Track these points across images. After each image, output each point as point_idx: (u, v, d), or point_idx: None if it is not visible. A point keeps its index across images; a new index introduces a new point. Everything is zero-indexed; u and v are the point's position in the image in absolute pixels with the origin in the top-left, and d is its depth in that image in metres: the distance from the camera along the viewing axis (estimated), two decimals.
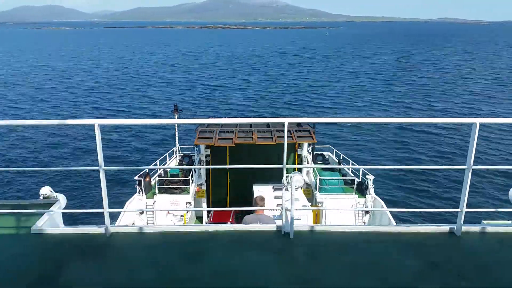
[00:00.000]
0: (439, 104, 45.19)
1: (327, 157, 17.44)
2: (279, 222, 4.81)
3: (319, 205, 13.56)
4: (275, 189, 13.05)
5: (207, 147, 14.40)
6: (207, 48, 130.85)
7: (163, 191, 13.77)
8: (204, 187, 15.15)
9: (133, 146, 30.36)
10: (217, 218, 13.36)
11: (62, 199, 5.74)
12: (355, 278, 3.83)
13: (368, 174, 14.21)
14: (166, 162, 16.37)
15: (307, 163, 15.02)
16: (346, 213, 13.61)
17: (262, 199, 6.66)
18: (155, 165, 15.76)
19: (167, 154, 17.06)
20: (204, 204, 14.91)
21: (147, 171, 14.50)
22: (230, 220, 12.99)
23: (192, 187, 14.04)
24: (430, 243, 4.44)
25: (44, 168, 5.96)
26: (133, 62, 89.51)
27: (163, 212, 13.77)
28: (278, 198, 12.10)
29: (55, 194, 5.82)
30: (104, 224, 4.64)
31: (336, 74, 70.09)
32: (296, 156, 14.81)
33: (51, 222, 5.03)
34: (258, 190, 13.22)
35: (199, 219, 15.44)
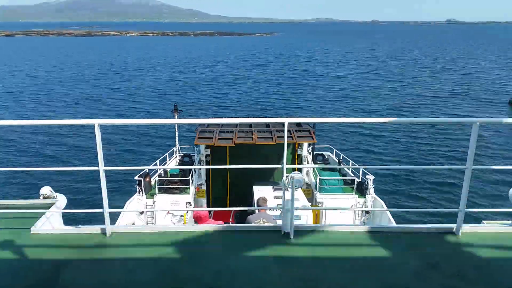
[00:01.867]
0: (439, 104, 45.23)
1: (327, 157, 17.43)
2: (279, 222, 4.81)
3: (319, 205, 13.56)
4: (275, 189, 13.05)
5: (207, 147, 14.39)
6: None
7: (163, 191, 13.76)
8: (204, 187, 15.14)
9: (133, 146, 30.34)
10: (217, 218, 13.35)
11: (62, 199, 5.74)
12: (355, 278, 3.83)
13: (368, 174, 14.20)
14: (166, 162, 16.36)
15: (307, 163, 15.02)
16: (346, 213, 13.60)
17: (265, 200, 7.22)
18: (155, 165, 15.75)
19: (167, 154, 17.06)
20: (204, 204, 14.91)
21: (147, 171, 14.49)
22: (230, 220, 12.99)
23: (192, 187, 14.04)
24: (430, 243, 4.44)
25: (44, 168, 5.96)
26: (133, 62, 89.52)
27: (163, 212, 13.77)
28: (278, 198, 12.09)
29: (55, 194, 5.81)
30: (104, 224, 4.64)
31: (336, 74, 70.11)
32: (296, 156, 14.80)
33: (51, 222, 5.03)
34: (258, 190, 13.21)
35: None
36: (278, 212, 9.27)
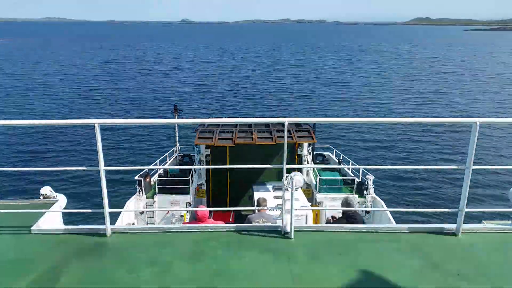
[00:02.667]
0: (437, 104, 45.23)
1: (327, 157, 17.42)
2: (279, 222, 4.81)
3: (319, 205, 13.56)
4: (275, 189, 13.03)
5: (207, 147, 14.38)
6: None
7: (163, 191, 13.75)
8: (204, 187, 15.14)
9: (133, 146, 30.34)
10: (217, 218, 13.34)
11: (62, 199, 5.75)
12: (355, 278, 3.83)
13: (368, 174, 14.19)
14: (166, 162, 16.35)
15: (307, 163, 15.01)
16: None
17: (264, 200, 7.37)
18: (155, 165, 15.74)
19: (167, 154, 17.05)
20: (204, 204, 14.90)
21: (147, 171, 14.49)
22: (230, 220, 12.98)
23: (192, 187, 14.03)
24: (430, 243, 4.44)
25: (44, 168, 5.95)
26: (132, 62, 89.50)
27: (163, 212, 13.76)
28: (278, 198, 12.09)
29: (55, 194, 5.82)
30: (104, 224, 4.64)
31: (336, 74, 70.11)
32: (296, 156, 14.79)
33: (51, 222, 5.03)
34: (258, 190, 13.20)
35: None
36: (278, 212, 9.26)
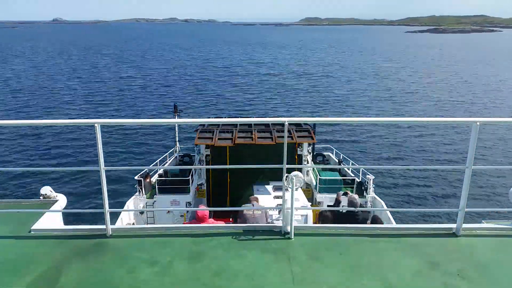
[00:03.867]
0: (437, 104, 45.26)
1: (327, 157, 17.42)
2: (279, 222, 4.81)
3: (319, 205, 13.56)
4: (275, 189, 13.03)
5: (207, 147, 14.38)
6: None
7: (163, 191, 13.74)
8: (204, 187, 15.14)
9: (133, 146, 30.35)
10: (217, 218, 13.32)
11: (62, 199, 5.75)
12: (355, 278, 3.83)
13: (368, 174, 14.19)
14: (166, 162, 16.35)
15: (307, 163, 15.01)
16: None
17: (255, 198, 7.64)
18: (155, 165, 15.74)
19: (167, 154, 17.05)
20: (204, 204, 14.90)
21: (147, 171, 14.49)
22: (230, 220, 12.98)
23: (192, 187, 14.03)
24: (430, 243, 4.44)
25: (44, 168, 5.97)
26: (132, 61, 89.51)
27: (163, 212, 13.76)
28: (278, 198, 12.08)
29: (55, 194, 5.82)
30: (104, 224, 4.64)
31: (335, 74, 70.12)
32: (296, 156, 14.78)
33: (51, 222, 5.03)
34: (258, 190, 13.20)
35: None
36: (278, 212, 9.25)
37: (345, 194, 8.81)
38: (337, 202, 8.54)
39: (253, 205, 7.04)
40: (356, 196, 7.68)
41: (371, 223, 7.49)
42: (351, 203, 7.39)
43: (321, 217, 7.39)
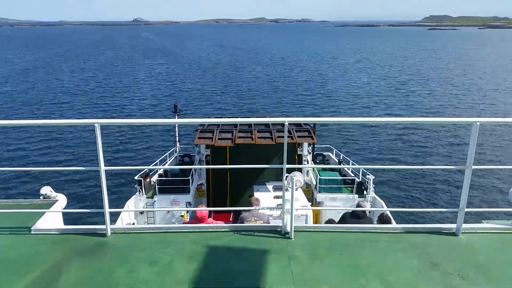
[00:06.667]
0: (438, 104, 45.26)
1: (327, 157, 17.42)
2: (279, 222, 4.81)
3: (319, 205, 13.56)
4: (275, 189, 13.03)
5: (207, 147, 14.38)
6: None
7: (163, 191, 13.74)
8: (204, 187, 15.14)
9: (133, 146, 30.36)
10: (217, 218, 13.33)
11: (62, 199, 5.75)
12: (355, 278, 3.83)
13: (368, 174, 14.19)
14: (166, 162, 16.35)
15: (307, 163, 15.01)
16: None
17: (257, 199, 7.09)
18: (155, 165, 15.74)
19: (167, 154, 17.05)
20: (204, 204, 14.90)
21: (147, 171, 14.49)
22: (230, 220, 12.98)
23: (192, 187, 14.03)
24: (430, 243, 4.44)
25: (44, 168, 5.95)
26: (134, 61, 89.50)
27: (163, 212, 13.76)
28: (278, 198, 12.08)
29: (55, 194, 5.82)
30: (104, 224, 4.64)
31: (335, 74, 70.12)
32: (296, 156, 14.78)
33: (51, 222, 5.03)
34: (258, 190, 13.20)
35: None
36: (278, 212, 9.25)
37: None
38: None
39: (256, 206, 6.90)
40: (367, 204, 7.60)
41: (382, 222, 7.47)
42: (358, 207, 7.44)
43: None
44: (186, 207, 13.52)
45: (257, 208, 6.71)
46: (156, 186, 13.86)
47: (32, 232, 4.70)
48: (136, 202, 13.48)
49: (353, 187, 14.04)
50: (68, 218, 5.78)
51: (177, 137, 18.29)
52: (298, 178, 13.84)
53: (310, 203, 13.58)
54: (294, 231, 4.58)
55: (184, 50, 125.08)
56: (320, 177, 13.94)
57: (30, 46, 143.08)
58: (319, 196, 13.75)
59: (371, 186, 13.97)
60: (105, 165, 4.45)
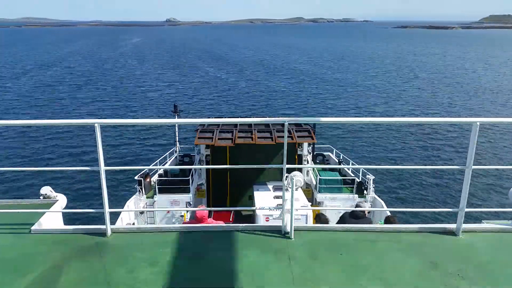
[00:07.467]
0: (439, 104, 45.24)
1: (327, 157, 17.42)
2: (279, 222, 4.81)
3: (319, 205, 13.56)
4: (275, 189, 13.03)
5: (207, 147, 14.39)
6: None
7: (163, 191, 13.75)
8: (204, 187, 15.14)
9: (133, 146, 30.36)
10: (217, 218, 13.34)
11: (62, 199, 5.74)
12: (355, 278, 3.83)
13: (368, 174, 14.19)
14: (166, 162, 16.35)
15: (307, 163, 15.01)
16: None
17: None
18: (155, 165, 15.75)
19: (167, 154, 17.05)
20: (204, 204, 14.90)
21: (147, 171, 14.49)
22: (230, 220, 12.98)
23: (192, 187, 14.03)
24: (430, 243, 4.44)
25: (44, 168, 5.95)
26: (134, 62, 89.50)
27: (163, 212, 13.76)
28: (278, 198, 12.09)
29: (55, 194, 5.81)
30: (104, 224, 4.64)
31: (334, 74, 70.11)
32: (296, 156, 14.79)
33: (51, 222, 5.03)
34: (258, 190, 13.21)
35: None
36: (278, 212, 9.24)
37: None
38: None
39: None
40: (366, 205, 7.64)
41: (387, 223, 7.50)
42: (357, 207, 7.45)
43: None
44: (186, 207, 13.52)
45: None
46: (156, 186, 13.86)
47: (32, 232, 4.70)
48: (136, 202, 13.48)
49: (353, 187, 14.04)
50: (68, 218, 5.78)
51: (177, 137, 18.29)
52: (298, 178, 13.82)
53: (310, 203, 13.58)
54: (294, 231, 4.58)
55: (188, 50, 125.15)
56: (320, 177, 13.94)
57: (55, 43, 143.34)
58: (319, 196, 13.75)
59: (371, 186, 13.97)
60: (105, 165, 4.45)
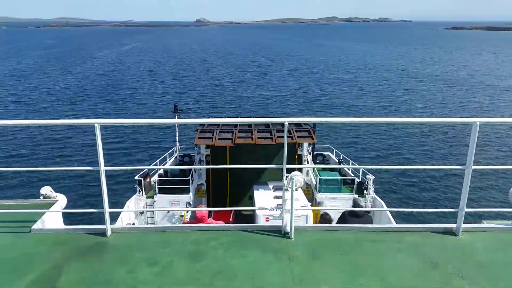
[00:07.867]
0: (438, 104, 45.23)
1: (327, 157, 17.42)
2: (279, 222, 4.81)
3: (319, 205, 13.56)
4: (275, 189, 13.03)
5: (207, 147, 14.39)
6: None
7: (163, 191, 13.75)
8: (204, 187, 15.14)
9: (133, 146, 30.34)
10: (217, 218, 13.34)
11: (62, 199, 5.75)
12: (355, 278, 3.83)
13: (368, 174, 14.19)
14: (166, 162, 16.35)
15: (307, 163, 15.01)
16: None
17: None
18: (155, 165, 15.75)
19: (167, 154, 17.06)
20: (204, 204, 14.90)
21: (147, 171, 14.49)
22: (230, 220, 12.98)
23: (192, 187, 14.03)
24: (430, 243, 4.45)
25: (44, 168, 5.96)
26: (135, 62, 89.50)
27: (163, 212, 13.76)
28: (278, 198, 12.08)
29: (55, 194, 5.82)
30: (104, 224, 4.64)
31: (336, 74, 70.06)
32: (296, 156, 14.79)
33: (51, 222, 5.04)
34: (258, 190, 13.20)
35: None
36: (278, 212, 9.23)
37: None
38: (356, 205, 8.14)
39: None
40: (363, 200, 7.64)
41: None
42: (354, 203, 7.43)
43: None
44: (186, 207, 13.52)
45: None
46: (156, 186, 13.86)
47: (32, 232, 4.70)
48: (136, 202, 13.48)
49: (353, 187, 14.04)
50: (68, 218, 5.78)
51: (177, 137, 18.29)
52: (298, 178, 13.84)
53: (310, 203, 13.58)
54: (294, 231, 4.58)
55: (189, 50, 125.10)
56: (320, 177, 13.94)
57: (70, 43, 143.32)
58: (319, 196, 13.75)
59: (371, 186, 13.97)
60: (105, 165, 4.45)
